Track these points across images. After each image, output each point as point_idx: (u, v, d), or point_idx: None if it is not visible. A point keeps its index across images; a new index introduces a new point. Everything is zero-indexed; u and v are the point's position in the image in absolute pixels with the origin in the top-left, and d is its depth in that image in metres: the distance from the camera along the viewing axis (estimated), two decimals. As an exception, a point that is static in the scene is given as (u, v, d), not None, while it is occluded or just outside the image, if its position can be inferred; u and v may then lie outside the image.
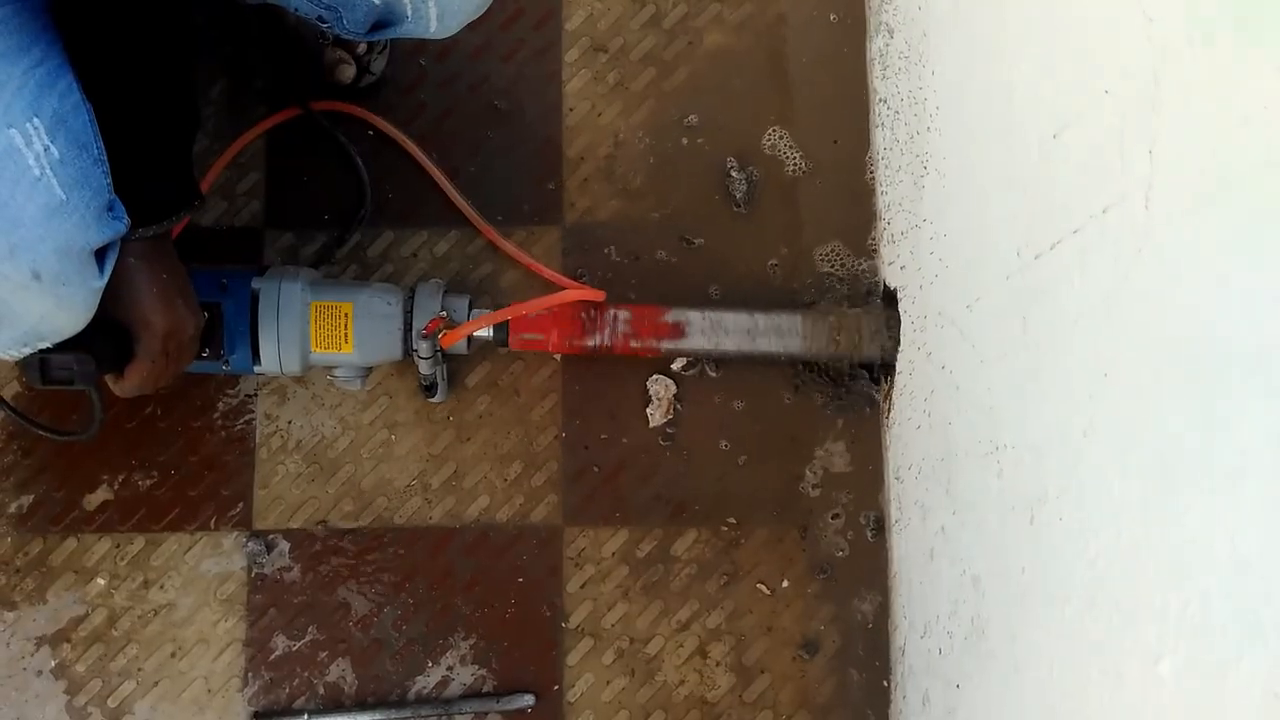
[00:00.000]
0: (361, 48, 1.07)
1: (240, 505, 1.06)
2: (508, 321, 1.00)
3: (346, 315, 0.97)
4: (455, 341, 0.97)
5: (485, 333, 1.01)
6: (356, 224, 1.09)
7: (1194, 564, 0.49)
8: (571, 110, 1.12)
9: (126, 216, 0.77)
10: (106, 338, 0.82)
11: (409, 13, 0.81)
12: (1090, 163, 0.59)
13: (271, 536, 1.05)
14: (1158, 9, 0.51)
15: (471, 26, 1.11)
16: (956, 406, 0.84)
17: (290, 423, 1.07)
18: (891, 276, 1.03)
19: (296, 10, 0.82)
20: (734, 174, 1.10)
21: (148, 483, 1.06)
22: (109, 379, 0.87)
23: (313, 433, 1.07)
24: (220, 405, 1.07)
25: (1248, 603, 0.46)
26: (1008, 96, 0.71)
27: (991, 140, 0.75)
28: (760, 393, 1.07)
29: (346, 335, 0.97)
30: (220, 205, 1.10)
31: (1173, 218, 0.51)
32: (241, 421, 1.07)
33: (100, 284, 0.77)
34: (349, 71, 1.08)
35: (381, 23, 0.84)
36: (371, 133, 1.10)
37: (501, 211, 1.10)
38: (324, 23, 0.84)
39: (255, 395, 1.07)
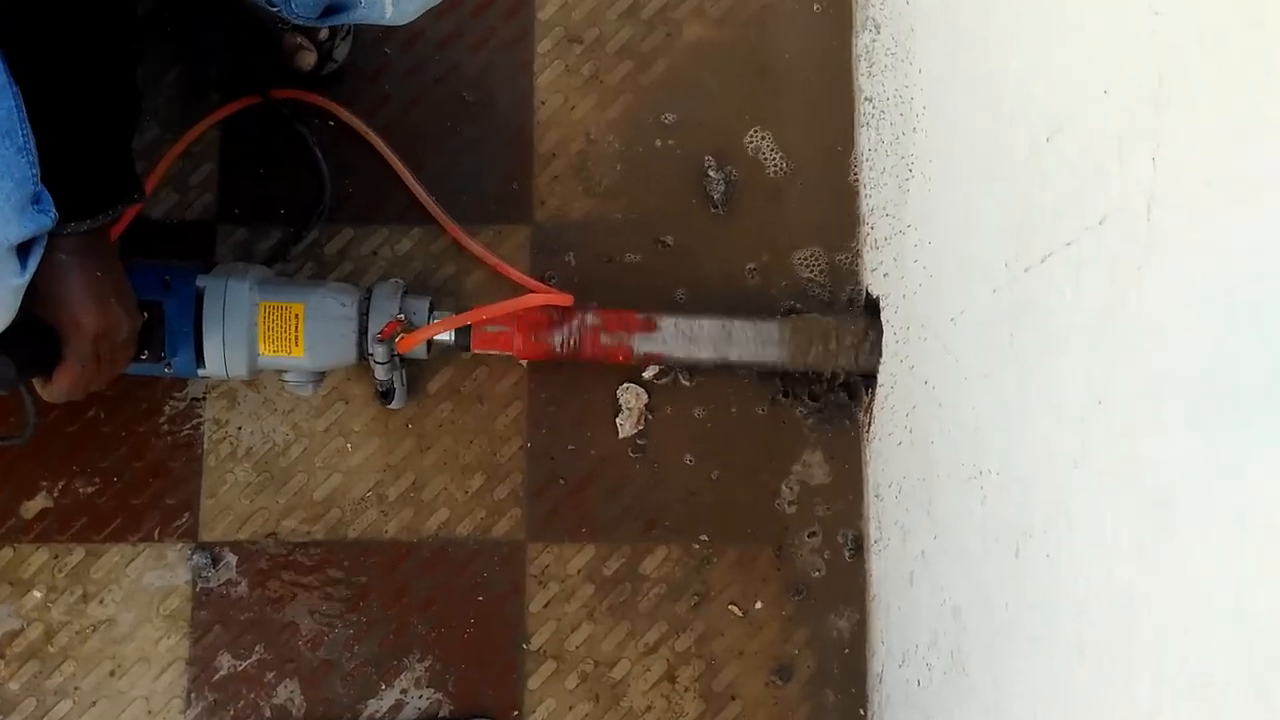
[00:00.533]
0: (323, 34, 1.02)
1: (186, 515, 1.00)
2: (469, 325, 0.95)
3: (297, 316, 0.92)
4: (413, 346, 0.92)
5: (446, 337, 0.95)
6: (314, 219, 1.03)
7: (1194, 617, 0.44)
8: (543, 104, 1.07)
9: (54, 210, 0.71)
10: (31, 339, 0.77)
11: (362, -3, 0.76)
12: (1086, 169, 0.54)
13: (218, 549, 1.00)
14: (1164, 2, 0.46)
15: (440, 13, 1.06)
16: (939, 425, 0.79)
17: (240, 429, 1.02)
18: (874, 284, 0.98)
19: (241, -7, 0.77)
20: (712, 174, 1.05)
21: (89, 490, 1.01)
22: (37, 383, 0.81)
23: (264, 439, 1.01)
24: (167, 409, 1.02)
25: (1252, 664, 0.41)
26: (996, 95, 0.66)
27: (979, 143, 0.70)
28: (735, 403, 1.02)
29: (297, 338, 0.92)
30: (171, 198, 1.05)
31: (1177, 232, 0.46)
32: (189, 426, 1.01)
33: (21, 281, 0.71)
34: (310, 58, 1.03)
35: (333, 7, 0.78)
36: (332, 123, 1.05)
37: (468, 209, 1.04)
38: (273, 6, 0.78)
39: (204, 399, 1.02)
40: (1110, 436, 0.51)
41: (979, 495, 0.70)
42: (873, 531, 0.98)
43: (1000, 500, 0.66)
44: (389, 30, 1.05)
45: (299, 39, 1.01)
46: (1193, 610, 0.44)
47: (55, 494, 1.00)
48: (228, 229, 1.04)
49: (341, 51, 1.04)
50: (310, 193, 1.04)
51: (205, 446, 1.01)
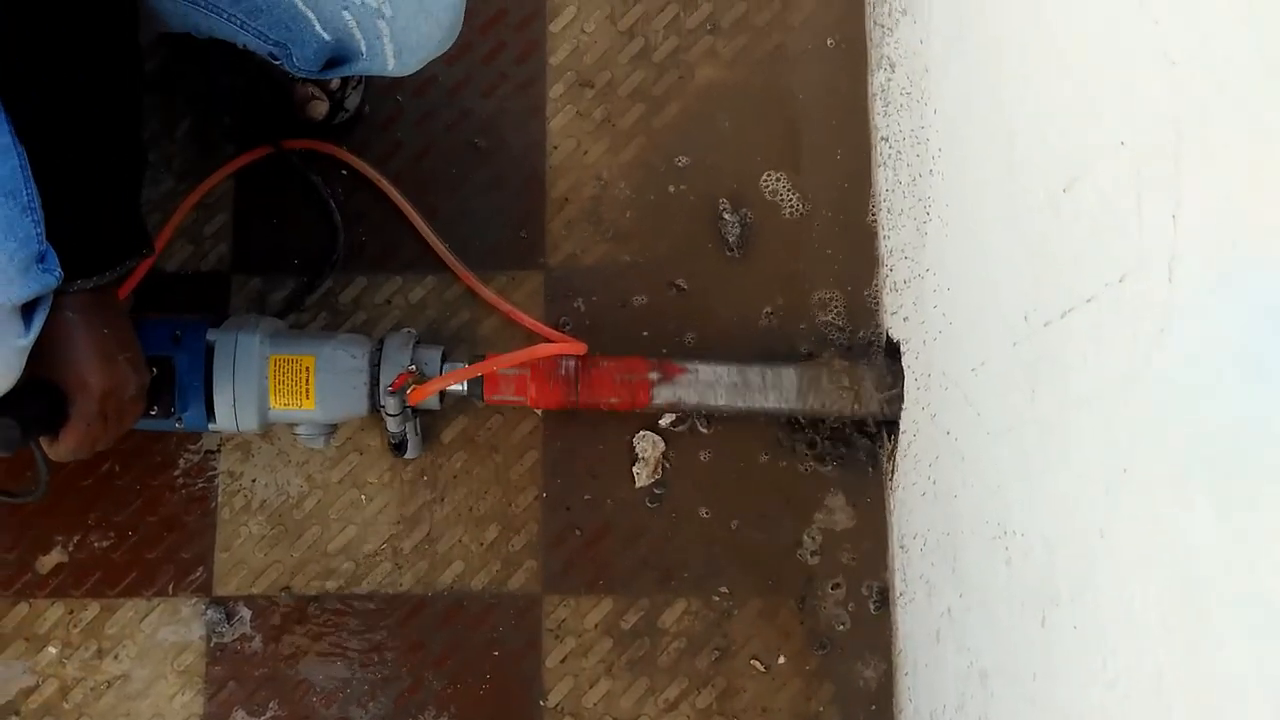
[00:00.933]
0: (335, 83, 1.02)
1: (200, 569, 0.99)
2: (482, 377, 0.93)
3: (308, 369, 0.91)
4: (424, 398, 0.91)
5: (459, 387, 0.94)
6: (328, 269, 1.03)
7: (1229, 711, 0.41)
8: (556, 148, 1.06)
9: (59, 268, 0.71)
10: (37, 399, 0.76)
11: (363, 49, 0.75)
12: (1105, 223, 0.51)
13: (232, 603, 0.99)
14: (1181, 51, 0.44)
15: (450, 60, 1.06)
16: (962, 478, 0.76)
17: (254, 481, 1.01)
18: (895, 328, 0.96)
19: (245, 46, 0.77)
20: (727, 216, 1.03)
21: (104, 544, 1.00)
22: (44, 442, 0.81)
23: (278, 492, 1.00)
24: (181, 462, 1.01)
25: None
26: (1010, 141, 0.64)
27: (995, 188, 0.68)
28: (755, 451, 1.00)
29: (308, 391, 0.91)
30: (186, 249, 1.05)
31: (1200, 294, 0.43)
32: (203, 479, 1.01)
33: (26, 342, 0.71)
34: (322, 108, 1.03)
35: (335, 59, 0.78)
36: (345, 172, 1.05)
37: (481, 255, 1.03)
38: (275, 59, 0.78)
39: (218, 451, 1.01)
40: (1137, 507, 0.48)
41: (1004, 556, 0.67)
42: (898, 584, 0.95)
43: (1026, 564, 0.63)
44: (399, 79, 1.05)
45: (311, 89, 1.01)
46: (1228, 704, 0.41)
47: (70, 548, 1.00)
48: (242, 279, 1.04)
49: (353, 100, 1.04)
50: (324, 242, 1.03)
51: (219, 500, 1.00)
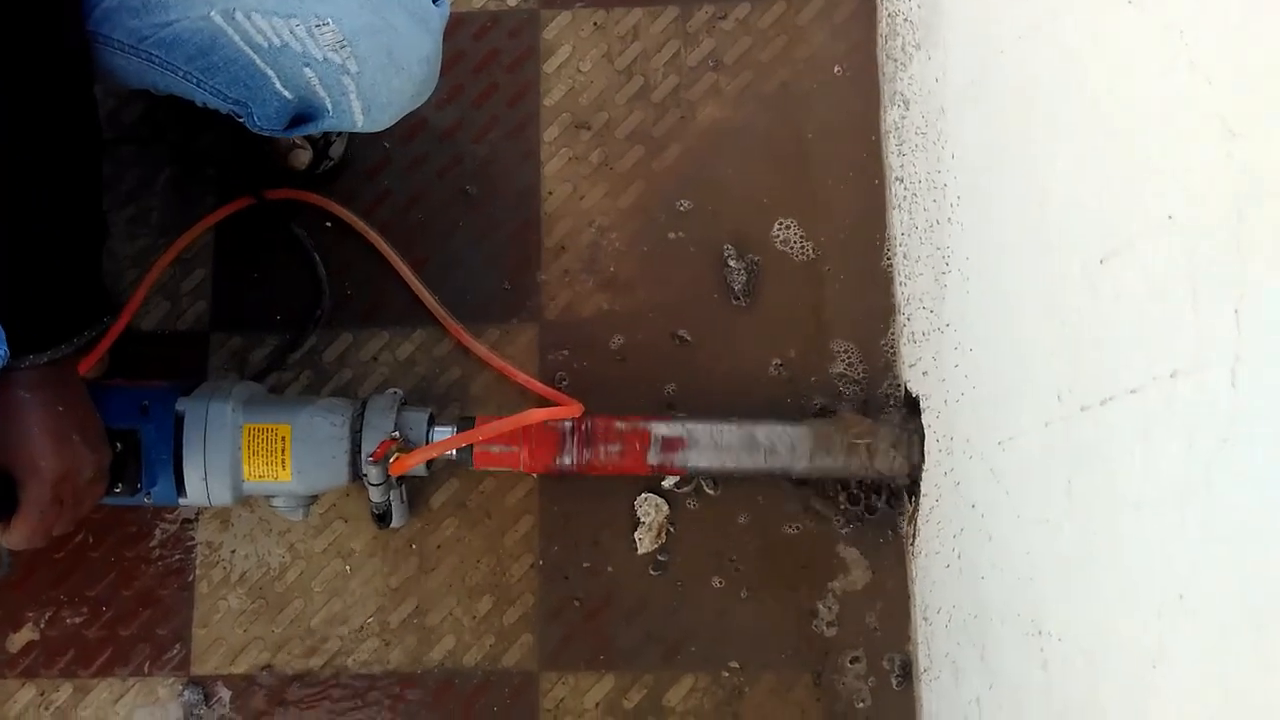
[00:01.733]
0: (317, 130, 0.96)
1: (177, 647, 0.94)
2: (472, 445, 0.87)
3: (284, 439, 0.85)
4: (407, 469, 0.85)
5: (449, 455, 0.88)
6: (312, 325, 0.97)
7: None
8: (551, 194, 1.00)
9: (4, 345, 0.65)
10: (-14, 485, 0.71)
11: (328, 107, 0.70)
12: (1150, 307, 0.44)
13: (211, 683, 0.93)
14: (1241, 119, 0.37)
15: (440, 103, 1.01)
16: (990, 560, 0.69)
17: (234, 552, 0.95)
18: (913, 381, 0.89)
19: (204, 105, 0.71)
20: (732, 263, 0.97)
21: (77, 620, 0.95)
22: (-2, 528, 0.75)
23: (258, 563, 0.95)
24: (157, 533, 0.96)
25: None
26: (1040, 200, 0.58)
27: (1022, 249, 0.61)
28: (766, 513, 0.93)
29: (284, 461, 0.85)
30: (163, 306, 1.00)
31: (1272, 405, 0.37)
32: (179, 551, 0.95)
33: (-30, 426, 0.65)
34: (305, 156, 0.98)
35: (300, 117, 0.72)
36: (329, 224, 0.99)
37: (473, 308, 0.98)
38: (238, 117, 0.73)
39: (195, 520, 0.96)
40: (1195, 639, 0.42)
41: (1039, 658, 0.60)
42: (922, 659, 0.88)
43: (1065, 673, 0.56)
44: (386, 123, 1.00)
45: (294, 137, 0.96)
46: None
47: (42, 625, 0.95)
48: (222, 338, 0.99)
49: (338, 148, 0.99)
50: (307, 297, 0.98)
51: (197, 572, 0.95)
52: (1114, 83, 0.48)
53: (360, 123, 0.72)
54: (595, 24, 1.03)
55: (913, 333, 0.90)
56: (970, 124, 0.72)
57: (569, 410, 0.88)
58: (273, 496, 0.88)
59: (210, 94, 0.69)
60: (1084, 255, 0.52)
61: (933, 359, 0.84)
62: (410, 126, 1.01)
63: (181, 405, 0.84)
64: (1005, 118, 0.64)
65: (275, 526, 0.95)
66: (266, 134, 0.73)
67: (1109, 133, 0.49)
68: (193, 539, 0.95)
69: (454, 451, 0.88)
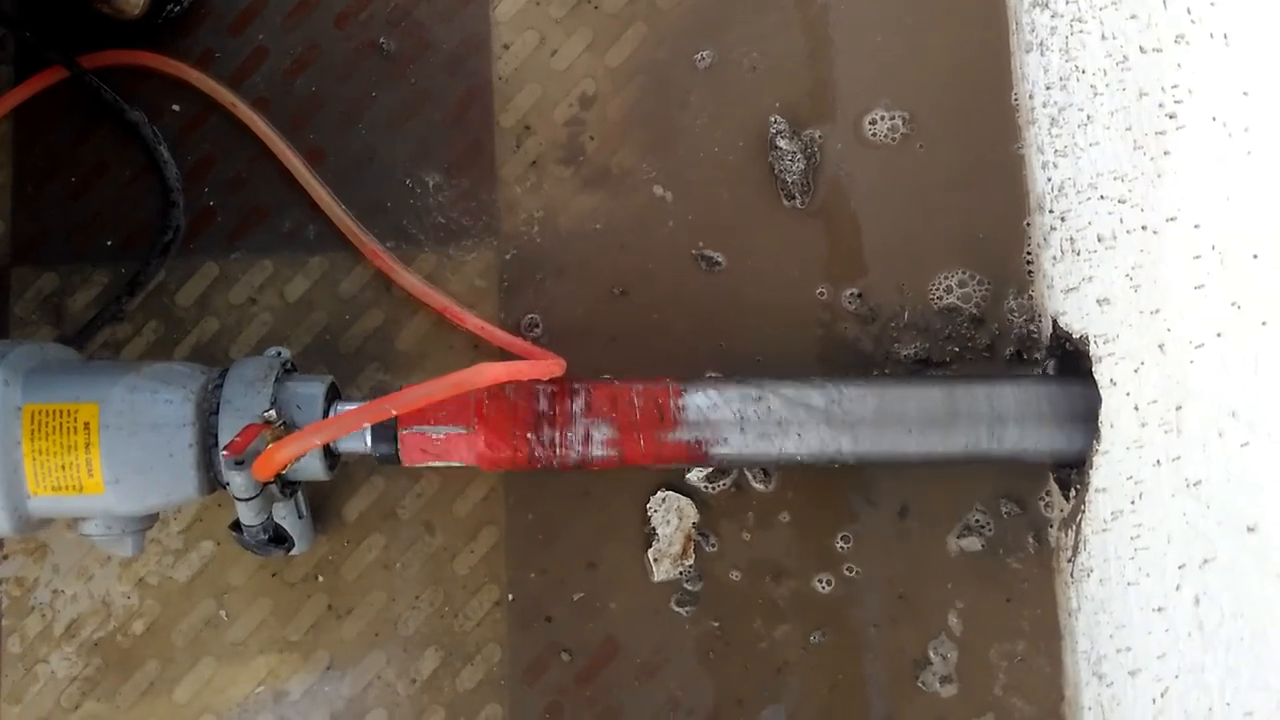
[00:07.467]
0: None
1: (-25, 737, 0.65)
2: (394, 425, 0.56)
3: (89, 427, 0.55)
4: (282, 468, 0.54)
5: (361, 445, 0.58)
6: (158, 253, 0.71)
7: None
8: (507, 48, 0.73)
9: None
10: None
11: None
12: None
13: (24, 794, 0.64)
14: None
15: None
16: (1232, 603, 0.38)
17: (57, 592, 0.68)
18: (1070, 316, 0.58)
19: None
20: (782, 144, 0.68)
21: None
22: None
23: (93, 607, 0.69)
24: (-61, 568, 0.66)
25: None
26: None
27: None
28: (844, 519, 0.67)
29: (89, 463, 0.55)
30: (-62, 233, 0.69)
31: None
32: (-26, 595, 0.66)
33: None
34: None
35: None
36: (178, 108, 0.71)
37: (396, 223, 0.70)
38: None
39: (-4, 550, 0.66)
40: None
41: None
42: (1088, 739, 0.59)
43: None
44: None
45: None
46: None
47: None
48: (27, 274, 0.69)
49: (185, -15, 0.68)
50: (151, 211, 0.71)
51: (3, 624, 0.65)
52: None
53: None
54: None
55: (1064, 240, 0.58)
56: None
57: (543, 367, 0.59)
58: (82, 519, 0.57)
59: None
60: None
61: (1123, 272, 0.52)
62: (295, -42, 0.70)
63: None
64: None
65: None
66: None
67: None
68: (-8, 577, 0.65)
69: (368, 441, 0.57)
